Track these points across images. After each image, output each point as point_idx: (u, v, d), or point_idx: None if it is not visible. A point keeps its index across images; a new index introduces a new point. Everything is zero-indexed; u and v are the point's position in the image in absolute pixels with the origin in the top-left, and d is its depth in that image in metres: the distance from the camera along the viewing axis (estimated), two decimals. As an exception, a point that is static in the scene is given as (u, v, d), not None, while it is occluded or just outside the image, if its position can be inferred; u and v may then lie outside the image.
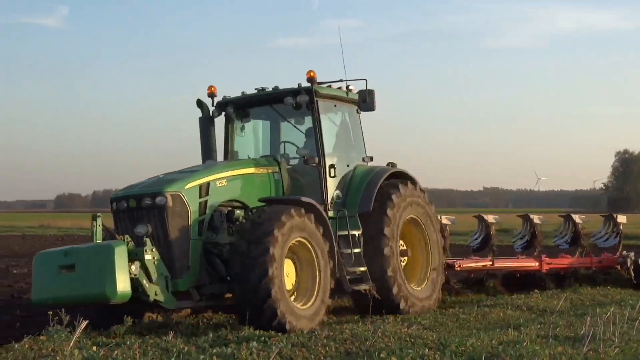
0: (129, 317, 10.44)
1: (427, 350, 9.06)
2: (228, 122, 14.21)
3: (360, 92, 13.48)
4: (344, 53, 14.00)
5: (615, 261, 18.43)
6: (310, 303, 11.92)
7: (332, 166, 13.38)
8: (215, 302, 12.34)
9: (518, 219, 19.95)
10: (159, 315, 12.61)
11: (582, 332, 10.01)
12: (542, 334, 10.49)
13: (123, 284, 10.36)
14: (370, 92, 13.38)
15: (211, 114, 14.02)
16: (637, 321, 10.97)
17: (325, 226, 12.37)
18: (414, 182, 14.39)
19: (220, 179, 12.29)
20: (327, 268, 12.16)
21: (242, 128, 14.31)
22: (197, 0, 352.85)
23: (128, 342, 9.79)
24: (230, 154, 14.19)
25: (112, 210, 11.98)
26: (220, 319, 12.73)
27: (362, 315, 13.07)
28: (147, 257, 10.81)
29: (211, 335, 10.42)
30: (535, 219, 18.88)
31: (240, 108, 14.12)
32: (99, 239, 10.90)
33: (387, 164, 14.61)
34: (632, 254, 18.34)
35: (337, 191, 13.51)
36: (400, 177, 14.29)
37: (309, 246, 11.95)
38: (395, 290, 13.31)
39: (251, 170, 12.87)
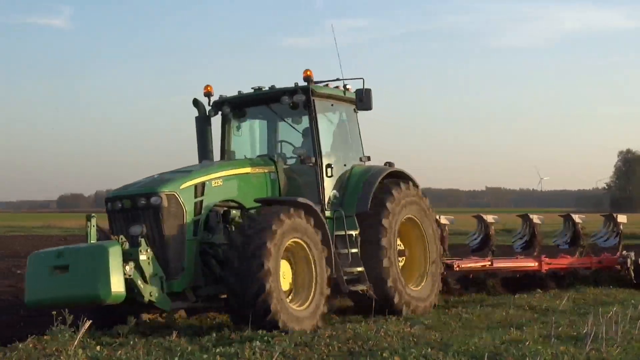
0: (132, 317, 10.46)
1: (429, 349, 9.09)
2: (224, 121, 14.12)
3: (357, 91, 13.35)
4: (339, 53, 13.88)
5: (615, 261, 18.32)
6: (305, 305, 11.83)
7: (329, 166, 13.30)
8: (210, 303, 12.27)
9: (520, 219, 19.93)
10: (159, 316, 12.58)
11: (584, 332, 10.03)
12: (544, 333, 10.53)
13: (117, 285, 10.29)
14: (367, 91, 13.24)
15: (207, 114, 13.96)
16: (640, 320, 11.00)
17: (322, 226, 12.30)
18: (411, 181, 14.28)
19: (216, 178, 12.22)
20: (323, 272, 12.07)
21: (239, 127, 14.23)
22: (197, 0, 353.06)
23: (132, 342, 9.85)
24: (226, 153, 14.10)
25: (107, 210, 11.89)
26: (223, 319, 12.70)
27: (365, 315, 13.01)
28: (142, 257, 10.74)
29: (214, 335, 10.47)
30: (535, 218, 18.79)
31: (237, 107, 14.04)
32: (93, 240, 10.84)
33: (385, 164, 14.50)
34: (632, 254, 18.24)
35: (334, 191, 13.43)
36: (397, 177, 14.20)
37: (305, 247, 11.87)
38: (392, 290, 13.23)
39: (247, 170, 12.79)
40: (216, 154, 14.04)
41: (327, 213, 13.08)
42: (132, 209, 11.54)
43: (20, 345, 9.17)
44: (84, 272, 10.38)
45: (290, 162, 13.66)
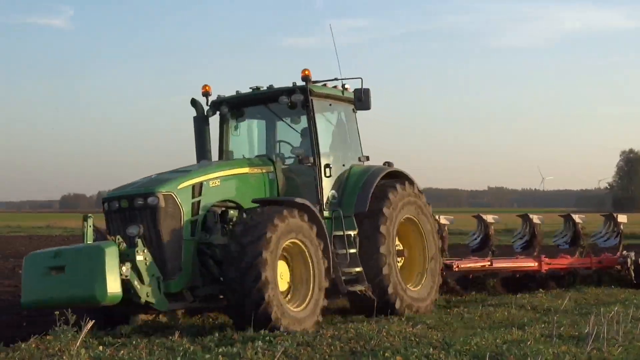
0: (137, 318, 10.45)
1: (431, 349, 9.09)
2: (223, 121, 14.07)
3: (356, 91, 13.28)
4: (338, 52, 13.79)
5: (616, 261, 18.30)
6: (304, 304, 11.80)
7: (327, 166, 13.24)
8: (208, 304, 12.22)
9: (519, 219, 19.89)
10: (163, 315, 12.58)
11: (585, 331, 10.02)
12: (546, 333, 10.54)
13: (113, 286, 10.24)
14: (366, 91, 13.16)
15: (205, 114, 13.89)
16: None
17: (320, 227, 12.24)
18: (410, 181, 14.20)
19: (213, 179, 12.18)
20: (321, 269, 12.02)
21: (237, 127, 14.18)
22: (197, 0, 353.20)
23: (134, 342, 9.83)
24: (224, 153, 14.05)
25: (104, 210, 11.85)
26: (225, 319, 12.70)
27: (366, 315, 12.97)
28: (139, 258, 10.70)
29: (217, 334, 10.47)
30: (535, 218, 18.76)
31: (235, 107, 13.99)
32: (89, 240, 10.79)
33: (384, 164, 14.43)
34: (632, 254, 18.20)
35: (333, 191, 13.37)
36: (396, 177, 14.13)
37: (303, 247, 11.82)
38: (391, 290, 13.16)
39: (245, 170, 12.74)
40: (214, 154, 14.00)
41: (326, 213, 13.02)
42: (130, 209, 11.50)
43: (23, 345, 9.16)
44: (80, 273, 10.35)
45: (289, 162, 13.60)
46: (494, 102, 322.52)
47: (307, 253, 11.87)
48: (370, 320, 12.05)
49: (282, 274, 11.73)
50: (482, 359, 8.60)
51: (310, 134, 13.18)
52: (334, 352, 9.28)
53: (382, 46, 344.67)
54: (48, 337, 9.56)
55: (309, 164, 13.06)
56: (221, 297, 11.76)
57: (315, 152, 13.13)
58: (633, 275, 17.86)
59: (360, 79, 13.18)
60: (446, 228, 17.68)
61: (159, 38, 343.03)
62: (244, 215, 12.03)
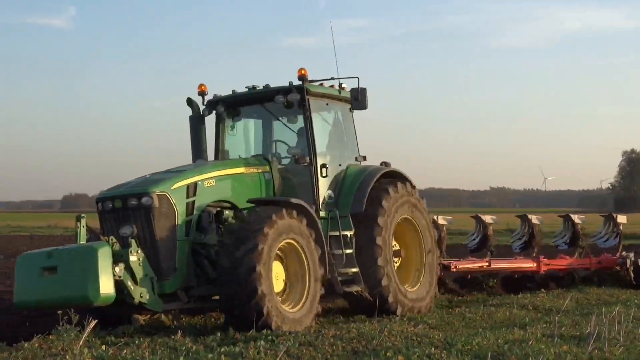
0: (140, 318, 10.42)
1: (433, 349, 9.10)
2: (219, 121, 13.99)
3: (352, 91, 13.19)
4: (338, 52, 13.67)
5: (615, 262, 18.18)
6: (300, 305, 11.72)
7: (323, 166, 13.15)
8: (203, 304, 12.14)
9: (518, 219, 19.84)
10: (165, 316, 12.56)
11: (587, 331, 10.04)
12: (547, 333, 10.56)
13: (106, 287, 10.20)
14: (362, 90, 13.07)
15: (201, 113, 13.81)
16: (643, 320, 11.02)
17: (315, 227, 12.15)
18: (408, 181, 14.10)
19: (208, 179, 12.09)
20: (317, 270, 11.94)
21: (233, 127, 14.09)
22: (197, 0, 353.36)
23: (137, 341, 9.81)
24: (221, 153, 13.97)
25: (98, 210, 11.78)
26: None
27: (366, 315, 12.91)
28: (132, 258, 10.64)
29: (219, 334, 10.44)
30: (534, 219, 18.71)
31: (231, 107, 13.91)
32: (82, 241, 10.75)
33: (381, 164, 14.33)
34: (631, 255, 18.11)
35: (329, 191, 13.28)
36: (393, 177, 14.03)
37: (299, 248, 11.74)
38: (387, 291, 13.06)
39: (241, 170, 12.67)
40: (211, 154, 13.91)
41: (322, 213, 12.94)
42: (123, 210, 11.43)
43: (26, 345, 9.14)
44: (72, 274, 10.30)
45: (285, 162, 13.52)
46: (495, 102, 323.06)
47: (302, 253, 11.78)
48: (372, 320, 12.05)
49: (277, 274, 11.65)
50: (484, 358, 8.60)
51: (307, 134, 13.11)
52: (336, 351, 9.28)
53: (383, 46, 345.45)
54: (51, 337, 9.60)
55: (305, 164, 12.98)
56: (216, 297, 11.66)
57: (312, 152, 13.05)
58: (632, 276, 17.77)
59: (356, 79, 13.10)
60: (444, 228, 17.57)
61: (159, 38, 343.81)
62: (234, 219, 11.92)
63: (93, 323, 9.35)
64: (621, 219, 19.48)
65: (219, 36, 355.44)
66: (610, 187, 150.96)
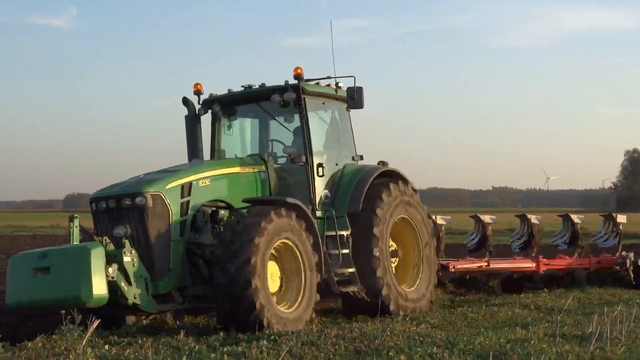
0: (143, 317, 10.38)
1: (435, 348, 9.10)
2: (214, 120, 13.90)
3: (348, 89, 13.07)
4: (338, 51, 13.67)
5: (615, 262, 18.05)
6: (295, 306, 11.64)
7: (320, 165, 13.05)
8: (199, 304, 12.03)
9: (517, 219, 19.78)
10: (168, 316, 12.54)
11: (589, 331, 10.07)
12: (549, 332, 10.55)
13: (99, 287, 10.13)
14: (359, 89, 12.97)
15: (197, 112, 13.73)
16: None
17: (311, 227, 12.06)
18: (405, 181, 14.00)
19: (203, 178, 12.01)
20: (313, 270, 11.86)
21: (230, 126, 13.99)
22: (198, 0, 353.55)
23: (140, 341, 9.82)
24: (216, 152, 13.87)
25: (92, 211, 11.71)
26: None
27: (371, 315, 12.84)
28: (126, 259, 10.57)
29: (222, 334, 10.44)
30: (533, 219, 18.62)
31: (227, 106, 13.82)
32: (76, 241, 10.68)
33: (378, 163, 14.21)
34: (631, 255, 17.99)
35: (326, 191, 13.17)
36: (391, 176, 13.92)
37: (294, 248, 11.66)
38: (384, 291, 12.96)
39: (236, 169, 12.58)
40: (207, 154, 13.85)
41: (318, 213, 12.85)
42: (117, 210, 11.36)
43: (29, 345, 9.14)
44: (65, 274, 10.23)
45: (282, 161, 13.42)
46: (498, 102, 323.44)
47: (297, 252, 11.71)
48: (375, 320, 12.05)
49: (273, 274, 11.57)
50: (486, 358, 8.62)
51: (303, 133, 13.01)
52: (339, 351, 9.30)
53: (384, 46, 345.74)
54: (54, 337, 9.58)
55: (302, 163, 12.90)
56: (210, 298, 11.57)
57: (308, 151, 12.95)
58: (632, 276, 17.65)
59: (353, 78, 13.01)
60: (443, 228, 17.48)
61: (160, 38, 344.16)
62: (232, 216, 11.88)
63: (96, 323, 9.37)
64: (621, 218, 19.38)
65: (219, 36, 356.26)
66: (613, 187, 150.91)
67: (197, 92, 13.82)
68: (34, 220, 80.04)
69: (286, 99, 12.98)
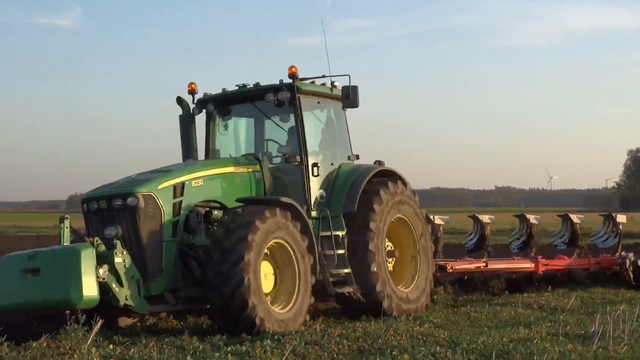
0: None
1: (438, 347, 9.16)
2: (209, 119, 13.75)
3: (344, 88, 12.91)
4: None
5: (614, 262, 17.91)
6: (290, 306, 11.50)
7: (315, 165, 12.91)
8: (191, 306, 11.88)
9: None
10: (172, 316, 12.51)
11: (592, 330, 10.11)
12: (552, 331, 10.63)
13: (89, 289, 9.97)
14: (354, 88, 12.80)
15: (191, 112, 13.59)
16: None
17: (306, 227, 11.93)
18: (401, 180, 13.84)
19: (196, 178, 11.87)
20: (307, 270, 11.72)
21: (225, 126, 13.85)
22: (202, 0, 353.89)
23: (144, 341, 9.86)
24: (211, 152, 13.72)
25: (83, 211, 11.58)
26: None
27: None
28: (117, 260, 10.43)
29: (225, 333, 10.51)
30: (532, 218, 18.51)
31: (221, 105, 13.68)
32: (66, 242, 10.55)
33: (374, 162, 14.04)
34: (631, 255, 17.87)
35: (321, 190, 13.02)
36: (387, 176, 13.77)
37: (288, 248, 11.52)
38: (379, 289, 12.78)
39: (230, 169, 12.44)
40: (202, 154, 13.70)
41: (313, 213, 12.72)
42: (108, 210, 11.23)
43: (34, 344, 9.12)
44: (55, 276, 10.10)
45: (277, 161, 13.29)
46: (500, 102, 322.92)
47: (291, 253, 11.58)
48: (378, 320, 12.06)
49: (267, 275, 11.46)
50: (489, 357, 8.66)
51: (298, 132, 12.87)
52: (342, 350, 9.34)
53: (388, 46, 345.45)
54: (59, 336, 9.54)
55: (296, 163, 12.76)
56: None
57: (303, 151, 12.81)
58: (632, 276, 17.53)
59: (348, 76, 12.86)
60: (441, 228, 17.39)
61: (160, 38, 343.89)
62: (226, 216, 11.71)
63: (100, 322, 9.38)
64: (621, 218, 19.26)
65: (224, 36, 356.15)
66: (616, 187, 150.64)
67: (192, 92, 13.68)
68: (38, 220, 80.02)
69: (281, 98, 12.84)
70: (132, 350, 9.09)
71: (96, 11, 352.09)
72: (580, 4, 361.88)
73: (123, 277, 10.51)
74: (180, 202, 11.61)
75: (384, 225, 13.20)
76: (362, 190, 13.07)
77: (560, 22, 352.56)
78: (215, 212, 12.07)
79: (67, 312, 9.71)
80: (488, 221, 18.40)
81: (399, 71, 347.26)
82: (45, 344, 9.17)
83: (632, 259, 17.72)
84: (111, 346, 9.32)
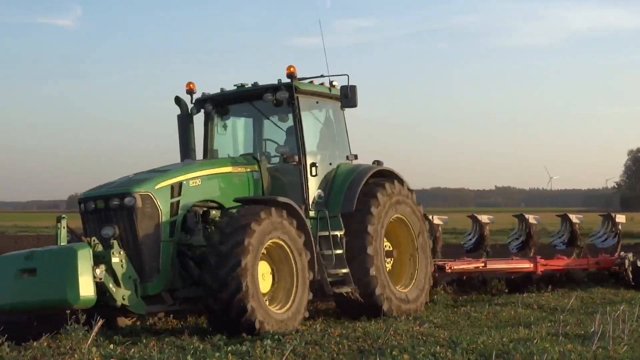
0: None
1: (438, 347, 9.17)
2: (207, 119, 13.70)
3: (342, 88, 12.88)
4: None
5: (613, 262, 17.85)
6: (288, 306, 11.44)
7: (313, 165, 12.86)
8: (189, 306, 11.84)
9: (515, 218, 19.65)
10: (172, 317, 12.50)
11: (591, 330, 10.13)
12: (552, 331, 10.64)
13: (86, 289, 9.91)
14: (352, 88, 12.77)
15: (190, 111, 13.54)
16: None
17: (303, 226, 11.87)
18: (401, 181, 13.78)
19: (193, 178, 11.82)
20: (305, 270, 11.67)
21: (223, 126, 13.80)
22: (204, 0, 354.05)
23: (144, 340, 9.86)
24: (209, 152, 13.67)
25: (80, 211, 11.54)
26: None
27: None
28: (114, 260, 10.38)
29: (226, 333, 10.52)
30: (531, 219, 18.47)
31: (220, 105, 13.62)
32: (63, 242, 10.50)
33: (373, 162, 13.99)
34: (630, 255, 17.82)
35: (319, 190, 12.97)
36: (386, 176, 13.72)
37: (286, 247, 11.48)
38: (379, 293, 12.73)
39: (228, 169, 12.40)
40: (200, 154, 13.67)
41: (311, 213, 12.67)
42: (105, 210, 11.18)
43: (34, 344, 9.11)
44: (51, 276, 10.04)
45: (275, 161, 13.24)
46: (501, 102, 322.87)
47: (288, 251, 11.52)
48: (378, 320, 12.07)
49: (264, 275, 11.41)
50: (489, 357, 8.67)
51: (296, 132, 12.82)
52: (342, 350, 9.35)
53: (389, 45, 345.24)
54: (59, 336, 9.54)
55: (295, 163, 12.71)
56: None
57: (301, 151, 12.76)
58: (631, 276, 17.49)
59: (346, 76, 12.81)
60: (440, 228, 17.35)
61: (161, 38, 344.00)
62: (223, 217, 11.68)
63: (101, 322, 9.38)
64: (620, 218, 19.18)
65: (225, 36, 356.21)
66: (616, 187, 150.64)
67: (190, 91, 13.63)
68: (39, 220, 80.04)
69: (279, 98, 12.80)
70: (133, 350, 9.10)
71: (97, 11, 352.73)
72: (580, 4, 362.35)
73: (120, 277, 10.47)
74: (178, 202, 11.56)
75: (381, 227, 13.16)
76: (361, 190, 13.02)
77: (561, 22, 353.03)
78: (213, 212, 12.04)
79: (68, 312, 9.70)
80: (487, 221, 18.36)
81: (399, 71, 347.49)
82: (45, 344, 9.17)
83: (631, 259, 17.67)
84: (112, 346, 9.32)
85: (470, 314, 13.10)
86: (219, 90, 13.63)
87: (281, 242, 11.44)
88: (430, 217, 16.73)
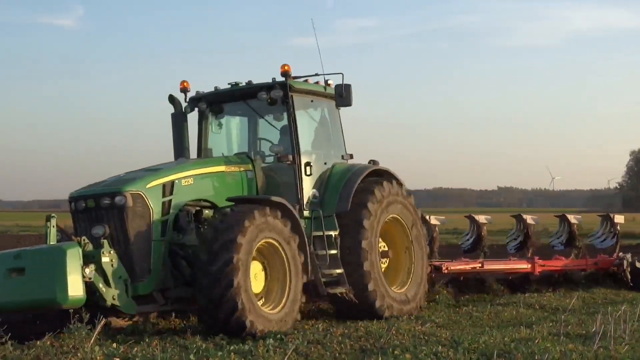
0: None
1: (440, 347, 9.19)
2: (201, 118, 13.62)
3: (336, 87, 12.76)
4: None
5: (612, 263, 17.76)
6: (280, 306, 11.33)
7: (308, 164, 12.75)
8: (181, 306, 11.73)
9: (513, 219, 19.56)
10: (174, 317, 12.54)
11: (593, 330, 10.14)
12: (553, 331, 10.65)
13: (75, 289, 9.82)
14: (347, 87, 12.64)
15: (184, 110, 13.46)
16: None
17: (297, 226, 11.74)
18: (396, 180, 13.69)
19: (186, 177, 11.70)
20: (298, 270, 11.56)
21: (218, 125, 13.71)
22: (205, 1, 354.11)
23: (147, 340, 9.87)
24: (203, 151, 13.58)
25: (71, 210, 11.42)
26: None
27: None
28: (105, 259, 10.30)
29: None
30: (529, 219, 18.39)
31: (214, 104, 13.53)
32: (53, 241, 10.42)
33: (369, 162, 13.88)
34: (628, 256, 17.75)
35: (314, 190, 12.86)
36: (381, 175, 13.64)
37: (279, 247, 11.37)
38: (372, 289, 12.59)
39: (221, 168, 12.29)
40: (194, 152, 13.58)
41: (306, 213, 12.56)
42: (96, 209, 11.07)
43: (37, 343, 9.10)
44: (40, 275, 9.94)
45: (269, 160, 13.13)
46: (502, 102, 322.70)
47: (282, 252, 11.43)
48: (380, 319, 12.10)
49: (257, 275, 11.29)
50: (490, 357, 8.68)
51: (290, 131, 12.72)
52: (344, 349, 9.37)
53: (389, 46, 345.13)
54: (62, 335, 9.51)
55: (289, 162, 12.62)
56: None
57: (295, 150, 12.66)
58: (629, 277, 17.42)
59: (341, 74, 12.71)
60: (437, 229, 17.24)
61: (161, 38, 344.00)
62: (215, 215, 11.59)
63: (104, 321, 9.40)
64: (619, 218, 19.10)
65: (225, 36, 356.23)
66: (618, 187, 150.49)
67: (184, 90, 13.57)
68: (40, 220, 79.99)
69: (273, 97, 12.71)
70: (135, 349, 9.11)
71: (98, 11, 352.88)
72: (580, 3, 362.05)
73: (110, 277, 10.39)
74: (170, 201, 11.46)
75: (377, 224, 13.04)
76: (356, 189, 12.92)
77: (561, 22, 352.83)
78: (206, 211, 11.94)
79: (71, 311, 9.69)
80: (484, 221, 18.24)
81: (400, 71, 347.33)
82: (48, 343, 9.16)
83: (630, 259, 17.60)
84: (114, 345, 9.31)
85: (472, 313, 13.13)
86: (212, 89, 13.53)
87: (274, 242, 11.33)
88: (427, 217, 16.65)
